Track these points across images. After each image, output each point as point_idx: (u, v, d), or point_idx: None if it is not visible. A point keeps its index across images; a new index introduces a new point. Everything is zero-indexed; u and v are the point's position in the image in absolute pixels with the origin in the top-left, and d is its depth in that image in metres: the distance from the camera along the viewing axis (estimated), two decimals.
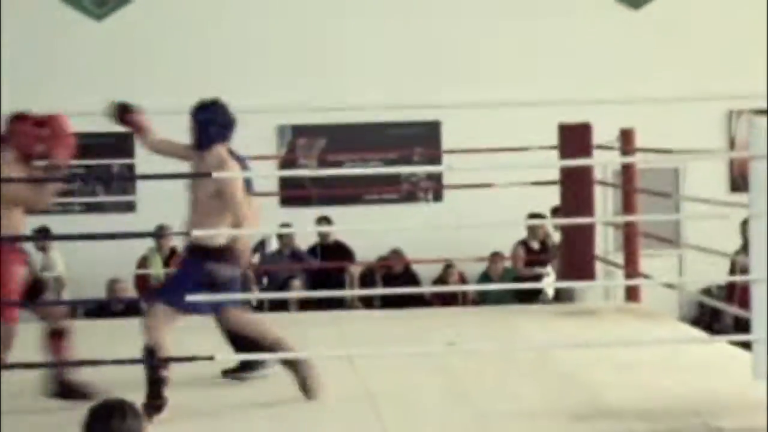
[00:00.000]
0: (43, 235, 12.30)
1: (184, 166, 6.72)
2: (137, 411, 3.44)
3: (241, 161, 7.08)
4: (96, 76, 13.37)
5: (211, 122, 6.53)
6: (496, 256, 12.96)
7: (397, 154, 13.56)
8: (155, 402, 6.43)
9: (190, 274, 6.52)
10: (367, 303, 12.76)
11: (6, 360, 6.66)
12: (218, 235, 6.46)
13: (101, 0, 13.75)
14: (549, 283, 12.19)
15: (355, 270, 13.45)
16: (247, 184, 7.07)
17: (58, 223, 12.37)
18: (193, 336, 7.36)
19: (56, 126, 6.74)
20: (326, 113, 13.87)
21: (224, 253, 6.51)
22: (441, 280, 13.51)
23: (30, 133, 6.70)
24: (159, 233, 12.03)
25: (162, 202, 11.01)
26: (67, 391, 6.78)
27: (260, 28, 13.84)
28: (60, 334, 6.87)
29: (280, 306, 12.31)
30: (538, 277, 12.81)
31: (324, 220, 13.13)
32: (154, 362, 6.40)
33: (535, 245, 13.12)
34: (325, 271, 13.11)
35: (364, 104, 13.78)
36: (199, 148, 6.55)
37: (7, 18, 13.35)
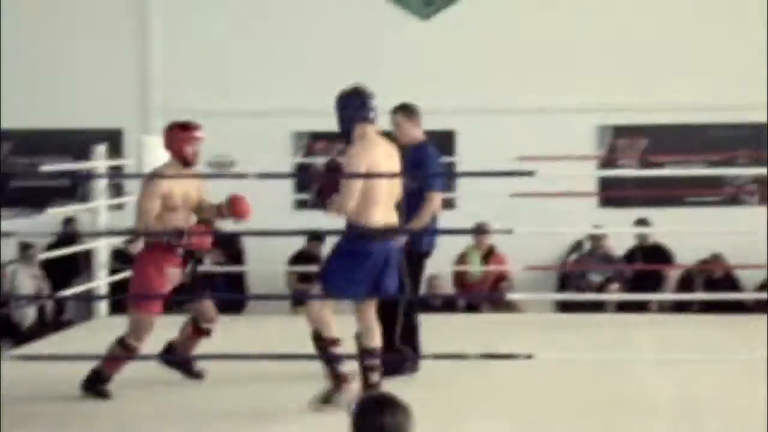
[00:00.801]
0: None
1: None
2: (407, 407, 3.43)
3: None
4: (415, 76, 13.60)
5: (344, 108, 6.57)
6: None
7: (720, 156, 13.23)
8: (338, 381, 6.45)
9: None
10: (685, 308, 12.52)
11: (138, 349, 6.98)
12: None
13: (428, 0, 14.02)
14: None
15: (674, 274, 13.21)
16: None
17: None
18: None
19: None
20: (648, 113, 13.67)
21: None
22: (764, 286, 13.09)
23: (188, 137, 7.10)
24: (477, 230, 12.20)
25: (482, 199, 11.18)
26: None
27: (580, 27, 13.75)
28: (203, 333, 7.24)
29: (595, 307, 12.26)
30: None
31: (642, 222, 12.95)
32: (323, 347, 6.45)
33: None
34: (643, 274, 12.94)
35: (687, 105, 13.51)
36: (346, 137, 6.61)
37: (333, 16, 13.81)
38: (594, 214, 13.08)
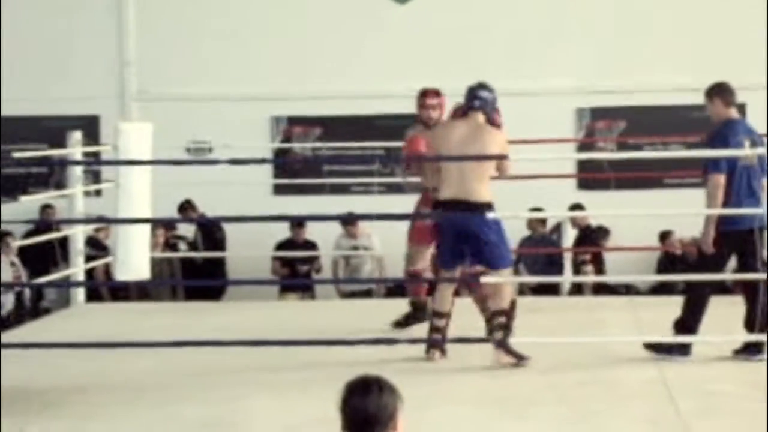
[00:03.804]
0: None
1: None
2: (394, 388, 3.44)
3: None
4: (399, 61, 13.56)
5: None
6: None
7: (699, 138, 13.18)
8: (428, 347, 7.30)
9: None
10: (666, 290, 12.53)
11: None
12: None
13: None
14: None
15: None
16: None
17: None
18: None
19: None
20: (626, 96, 13.65)
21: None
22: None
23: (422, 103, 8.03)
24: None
25: None
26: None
27: (557, 10, 13.71)
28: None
29: (573, 290, 12.27)
30: None
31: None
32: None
33: None
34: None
35: (665, 87, 13.48)
36: None
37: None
38: (572, 197, 13.05)
